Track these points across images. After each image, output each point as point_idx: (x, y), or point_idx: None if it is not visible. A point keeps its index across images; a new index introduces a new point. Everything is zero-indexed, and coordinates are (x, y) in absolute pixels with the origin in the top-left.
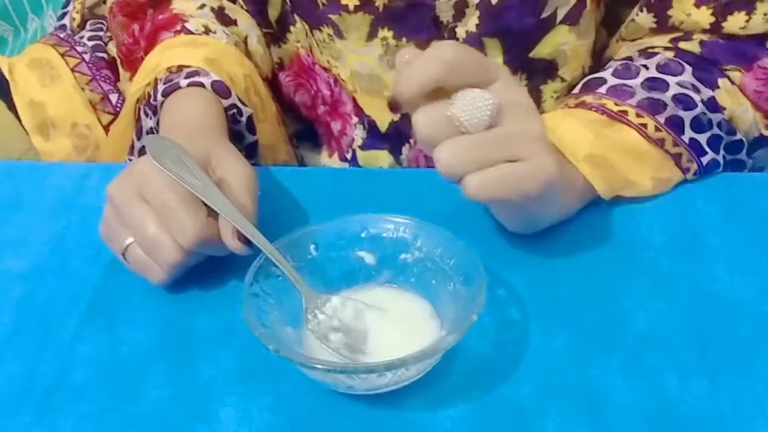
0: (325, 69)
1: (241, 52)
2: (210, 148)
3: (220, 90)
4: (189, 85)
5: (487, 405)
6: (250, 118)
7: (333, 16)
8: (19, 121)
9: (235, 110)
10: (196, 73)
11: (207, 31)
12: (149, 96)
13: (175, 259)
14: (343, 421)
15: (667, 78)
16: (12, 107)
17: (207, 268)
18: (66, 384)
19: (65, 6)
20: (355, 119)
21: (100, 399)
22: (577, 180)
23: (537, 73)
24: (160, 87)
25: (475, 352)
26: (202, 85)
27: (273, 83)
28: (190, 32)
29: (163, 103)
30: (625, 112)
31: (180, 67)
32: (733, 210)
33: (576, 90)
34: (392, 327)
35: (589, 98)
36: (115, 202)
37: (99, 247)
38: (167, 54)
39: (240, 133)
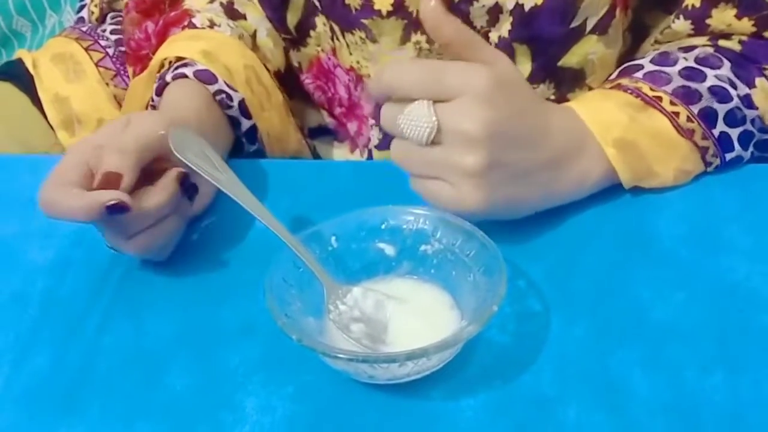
0: (348, 71)
1: (245, 45)
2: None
3: (204, 78)
4: (173, 78)
5: (507, 395)
6: (242, 103)
7: (366, 21)
8: (44, 116)
9: (223, 95)
10: (183, 65)
11: (212, 24)
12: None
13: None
14: (364, 410)
15: (705, 69)
16: (37, 102)
17: (230, 259)
18: (91, 374)
19: None
20: (371, 121)
21: (125, 389)
22: (598, 165)
23: (565, 82)
24: (154, 86)
25: (495, 343)
26: (185, 75)
27: (294, 79)
28: (195, 27)
29: (159, 102)
30: (660, 98)
31: (177, 59)
32: (752, 201)
33: (613, 74)
34: (412, 318)
35: (625, 81)
36: None
37: None
38: (168, 48)
39: (236, 119)
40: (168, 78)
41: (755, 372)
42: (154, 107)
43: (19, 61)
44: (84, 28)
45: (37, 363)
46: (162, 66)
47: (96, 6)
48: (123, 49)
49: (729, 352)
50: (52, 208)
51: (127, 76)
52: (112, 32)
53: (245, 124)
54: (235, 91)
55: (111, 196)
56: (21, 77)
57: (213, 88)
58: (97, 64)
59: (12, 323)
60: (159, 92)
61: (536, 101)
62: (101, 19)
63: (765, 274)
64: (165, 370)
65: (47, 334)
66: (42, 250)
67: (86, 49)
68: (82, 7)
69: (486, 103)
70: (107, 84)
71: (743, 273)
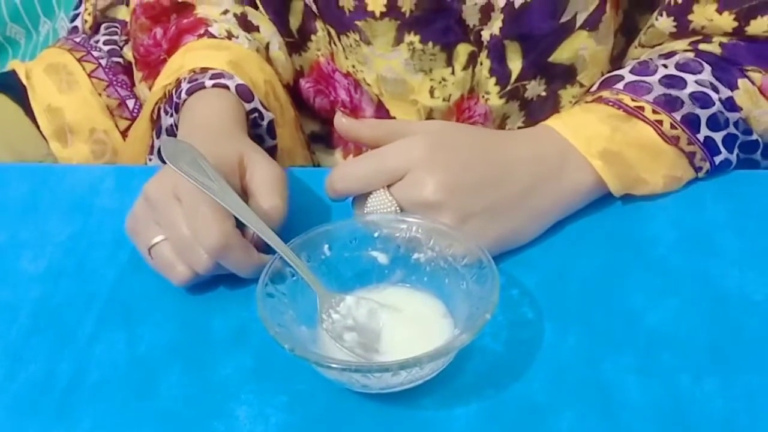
0: (346, 75)
1: (262, 58)
2: (241, 149)
3: (243, 93)
4: (214, 86)
5: (500, 403)
6: (270, 123)
7: (359, 23)
8: (37, 127)
9: (256, 114)
10: (221, 75)
11: (230, 35)
12: (170, 94)
13: (204, 264)
14: (358, 419)
15: (686, 76)
16: (29, 113)
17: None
18: (84, 383)
19: (77, 7)
20: None
21: (118, 398)
22: (586, 177)
23: (556, 78)
24: (184, 86)
25: (488, 351)
26: (226, 87)
27: (293, 88)
28: (213, 36)
29: (185, 101)
30: (642, 108)
31: (204, 69)
32: (743, 207)
33: (594, 87)
34: (406, 326)
35: (606, 93)
36: (151, 199)
37: (115, 248)
38: (190, 56)
39: (260, 137)
40: (207, 83)
41: (748, 378)
42: (176, 105)
43: (12, 72)
44: (77, 39)
45: (29, 372)
46: (183, 71)
47: (89, 14)
48: (116, 59)
49: (721, 358)
50: (226, 255)
51: (120, 87)
52: (105, 43)
53: (269, 142)
54: (267, 110)
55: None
56: (14, 88)
57: (249, 106)
58: (89, 75)
59: (4, 332)
60: (191, 92)
61: (489, 141)
62: (95, 28)
63: (756, 280)
64: (157, 380)
65: (39, 344)
66: (34, 259)
67: (79, 60)
68: (76, 16)
69: (432, 168)
70: (100, 95)
71: (735, 279)
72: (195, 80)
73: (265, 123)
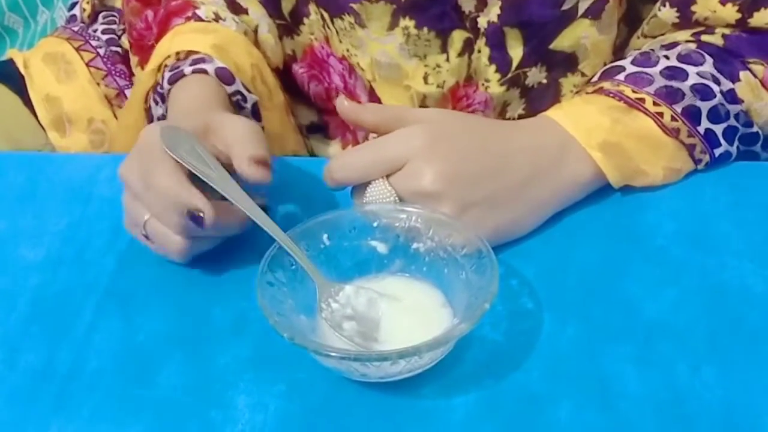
0: (341, 60)
1: (250, 41)
2: (207, 118)
3: (224, 76)
4: (193, 72)
5: (499, 393)
6: (255, 105)
7: (355, 5)
8: (35, 116)
9: (239, 97)
10: (201, 60)
11: (217, 18)
12: (157, 83)
13: (186, 234)
14: (356, 408)
15: (687, 67)
16: (28, 102)
17: (221, 257)
18: (82, 372)
19: None
20: None
21: (116, 387)
22: (585, 169)
23: (557, 66)
24: (167, 74)
25: (487, 341)
26: (205, 71)
27: (286, 74)
28: (200, 19)
29: (169, 91)
30: (643, 100)
31: (188, 53)
32: (742, 198)
33: (595, 77)
34: (405, 315)
35: (607, 84)
36: (127, 182)
37: (113, 237)
38: (176, 40)
39: None
40: (186, 70)
41: (746, 368)
42: (161, 95)
43: (10, 62)
44: (75, 28)
45: (28, 361)
46: (168, 57)
47: (88, 3)
48: (114, 49)
49: (720, 348)
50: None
51: (118, 76)
52: (103, 32)
53: None
54: (250, 92)
55: (199, 205)
56: (12, 77)
57: (231, 88)
58: (87, 65)
59: (3, 321)
60: (172, 81)
61: (489, 131)
62: (93, 17)
63: (755, 271)
64: (156, 369)
65: (38, 333)
66: (33, 248)
67: (77, 50)
68: (74, 5)
69: (431, 158)
70: (98, 84)
71: (734, 270)
72: (176, 68)
73: (249, 105)
